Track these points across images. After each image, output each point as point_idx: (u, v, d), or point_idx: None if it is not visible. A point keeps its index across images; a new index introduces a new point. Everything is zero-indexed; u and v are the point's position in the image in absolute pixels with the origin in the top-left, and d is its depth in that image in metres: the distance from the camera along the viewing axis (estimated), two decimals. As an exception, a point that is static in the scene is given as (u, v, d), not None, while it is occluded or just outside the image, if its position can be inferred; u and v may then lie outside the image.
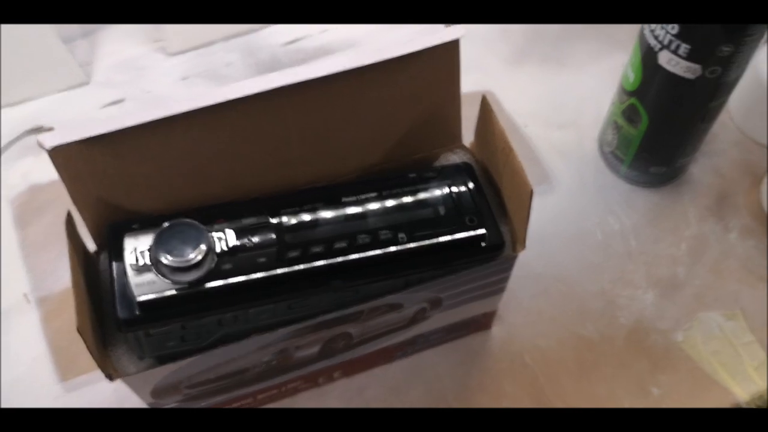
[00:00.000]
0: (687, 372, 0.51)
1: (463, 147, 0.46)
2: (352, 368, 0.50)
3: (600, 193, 0.59)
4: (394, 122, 0.44)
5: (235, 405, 0.47)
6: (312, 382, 0.49)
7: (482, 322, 0.51)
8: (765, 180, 0.58)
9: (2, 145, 0.61)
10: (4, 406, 0.49)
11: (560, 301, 0.54)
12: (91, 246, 0.41)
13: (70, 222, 0.38)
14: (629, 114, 0.53)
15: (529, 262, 0.54)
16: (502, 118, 0.63)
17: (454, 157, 0.46)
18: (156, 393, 0.41)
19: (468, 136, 0.46)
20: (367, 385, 0.51)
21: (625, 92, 0.53)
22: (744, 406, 0.49)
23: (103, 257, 0.41)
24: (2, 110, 0.63)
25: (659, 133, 0.53)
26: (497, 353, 0.52)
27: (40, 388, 0.50)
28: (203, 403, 0.45)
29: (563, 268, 0.55)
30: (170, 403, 0.43)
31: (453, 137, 0.46)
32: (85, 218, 0.40)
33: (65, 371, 0.51)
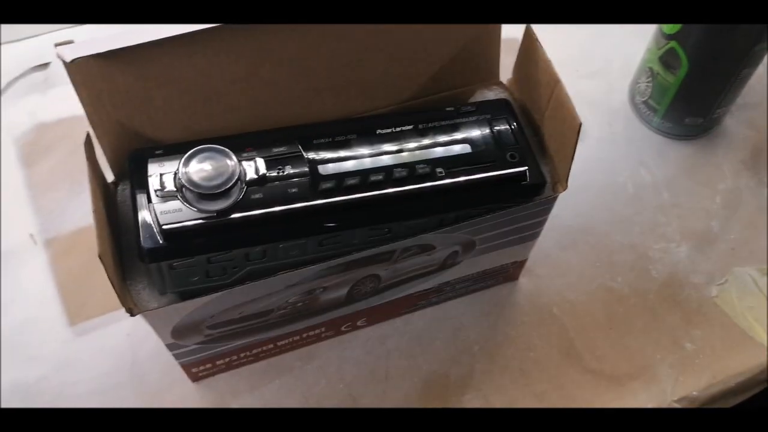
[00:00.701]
0: (721, 327, 0.49)
1: (500, 84, 0.44)
2: (375, 316, 0.48)
3: (631, 145, 0.57)
4: (430, 55, 0.41)
5: (255, 351, 0.45)
6: (335, 329, 0.47)
7: (510, 273, 0.50)
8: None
9: (4, 83, 0.58)
10: (7, 349, 0.47)
11: (589, 253, 0.52)
12: (108, 177, 0.39)
13: (89, 144, 0.35)
14: (668, 59, 0.51)
15: (558, 214, 0.51)
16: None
17: (491, 94, 0.44)
18: (177, 332, 0.39)
19: (505, 75, 0.44)
20: (390, 334, 0.49)
21: (665, 36, 0.51)
22: (780, 362, 0.48)
23: (122, 188, 0.39)
24: (3, 47, 0.60)
25: (700, 79, 0.51)
26: (525, 305, 0.50)
27: (47, 332, 0.48)
28: (223, 347, 0.43)
29: (593, 221, 0.53)
30: (190, 344, 0.41)
31: (490, 73, 0.43)
32: (103, 145, 0.38)
33: (74, 315, 0.49)
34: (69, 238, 0.52)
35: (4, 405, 0.45)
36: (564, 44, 0.62)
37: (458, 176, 0.38)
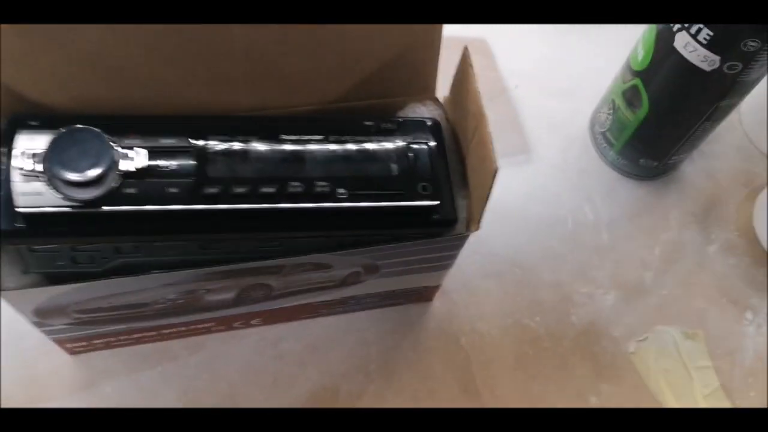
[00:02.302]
0: (631, 386, 0.47)
1: (435, 100, 0.40)
2: (272, 318, 0.45)
3: (581, 177, 0.54)
4: (361, 57, 0.38)
5: (136, 335, 0.43)
6: (227, 324, 0.45)
7: (423, 294, 0.47)
8: (763, 195, 0.53)
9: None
10: None
11: (512, 286, 0.49)
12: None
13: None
14: (630, 96, 0.48)
15: (487, 239, 0.49)
16: (490, 72, 0.58)
17: (423, 110, 0.40)
18: (40, 313, 0.36)
19: (445, 90, 0.40)
20: (285, 337, 0.46)
21: (631, 71, 0.47)
22: (682, 433, 0.46)
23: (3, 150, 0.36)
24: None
25: (658, 123, 0.47)
26: (434, 330, 0.48)
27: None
28: (97, 330, 0.40)
29: (523, 253, 0.51)
30: (57, 324, 0.38)
31: (425, 87, 0.40)
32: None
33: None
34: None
35: None
36: (535, 53, 0.59)
37: (360, 201, 0.34)
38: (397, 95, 0.40)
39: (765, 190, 0.53)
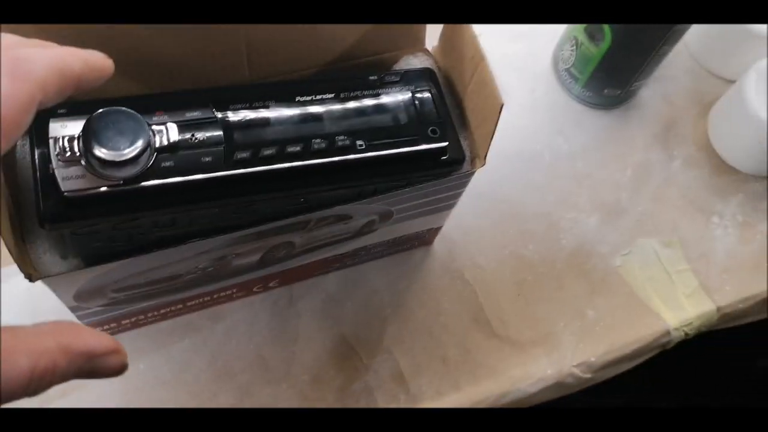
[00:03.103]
0: (623, 297, 0.51)
1: (425, 51, 0.43)
2: (288, 277, 0.47)
3: (551, 112, 0.57)
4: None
5: (162, 311, 0.44)
6: (247, 290, 0.47)
7: (425, 238, 0.50)
8: (714, 110, 0.58)
9: None
10: None
11: (502, 221, 0.53)
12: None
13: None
14: (592, 30, 0.51)
15: (474, 181, 0.52)
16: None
17: (416, 61, 0.43)
18: (79, 296, 0.37)
19: (430, 41, 0.43)
20: (302, 295, 0.49)
21: (591, 7, 0.51)
22: (673, 332, 0.50)
23: (21, 143, 0.36)
24: None
25: (621, 52, 0.51)
26: (437, 270, 0.51)
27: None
28: (129, 308, 0.42)
29: (508, 189, 0.54)
30: (93, 306, 0.39)
31: (415, 39, 0.42)
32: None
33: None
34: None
35: None
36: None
37: (378, 150, 0.37)
38: (390, 50, 0.42)
39: (715, 105, 0.58)
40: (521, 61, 0.59)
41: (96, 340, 0.24)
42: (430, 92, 0.39)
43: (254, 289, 0.47)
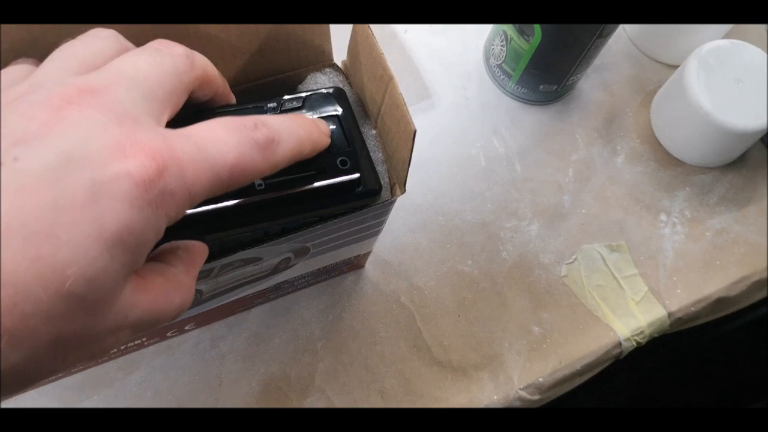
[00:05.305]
0: (569, 309, 0.48)
1: (334, 66, 0.38)
2: (206, 318, 0.43)
3: (484, 111, 0.54)
4: (249, 31, 0.35)
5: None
6: (160, 335, 0.42)
7: (355, 263, 0.46)
8: (656, 100, 0.55)
9: None
10: None
11: (439, 235, 0.49)
12: None
13: None
14: (521, 26, 0.47)
15: (407, 192, 0.48)
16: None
17: (324, 79, 0.38)
18: None
19: (340, 53, 0.38)
20: (223, 336, 0.45)
21: (518, 0, 0.47)
22: (624, 342, 0.47)
23: None
24: None
25: (553, 48, 0.47)
26: (371, 294, 0.47)
27: None
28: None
29: (444, 198, 0.50)
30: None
31: (321, 53, 0.38)
32: None
33: None
34: None
35: None
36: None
37: (280, 188, 0.33)
38: (293, 68, 0.38)
39: (657, 94, 0.55)
40: (450, 57, 0.55)
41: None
42: (338, 118, 0.35)
43: (168, 334, 0.43)
